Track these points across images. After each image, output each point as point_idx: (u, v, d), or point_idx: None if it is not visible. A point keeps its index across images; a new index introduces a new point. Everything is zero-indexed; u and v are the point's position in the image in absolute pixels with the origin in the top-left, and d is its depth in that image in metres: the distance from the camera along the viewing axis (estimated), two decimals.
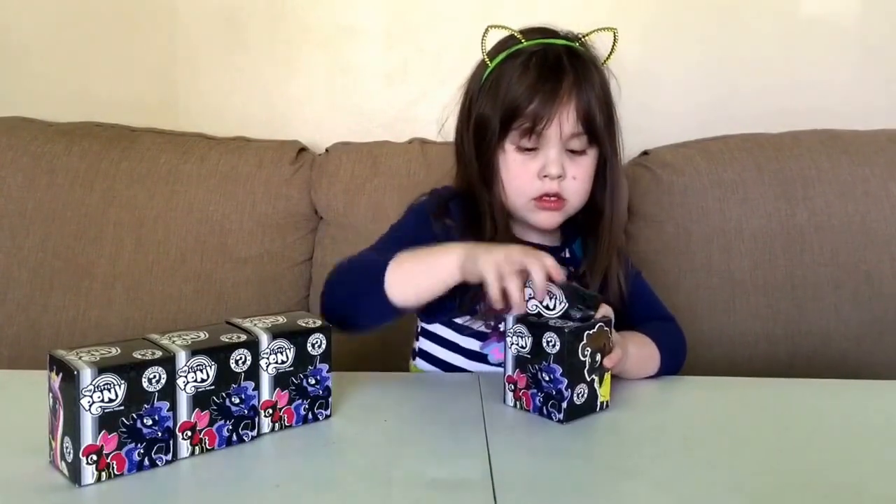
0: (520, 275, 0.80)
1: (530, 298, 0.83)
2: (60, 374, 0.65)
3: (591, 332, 0.81)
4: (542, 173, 0.97)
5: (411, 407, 0.85)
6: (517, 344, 0.84)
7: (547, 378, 0.81)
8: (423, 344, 1.07)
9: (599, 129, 0.97)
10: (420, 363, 1.07)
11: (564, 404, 0.80)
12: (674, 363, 1.00)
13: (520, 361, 0.84)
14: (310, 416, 0.78)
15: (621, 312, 0.95)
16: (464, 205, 1.03)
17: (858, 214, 1.40)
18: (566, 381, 0.79)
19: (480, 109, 1.01)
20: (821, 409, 0.87)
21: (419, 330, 1.08)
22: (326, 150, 1.51)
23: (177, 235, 1.40)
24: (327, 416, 0.80)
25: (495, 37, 1.03)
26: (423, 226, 1.01)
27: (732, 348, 1.38)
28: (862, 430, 0.81)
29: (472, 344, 1.02)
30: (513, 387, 0.85)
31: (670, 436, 0.79)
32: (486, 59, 1.01)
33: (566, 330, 0.79)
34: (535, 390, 0.82)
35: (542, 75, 0.95)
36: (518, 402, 0.84)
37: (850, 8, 1.61)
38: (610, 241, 1.03)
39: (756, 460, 0.73)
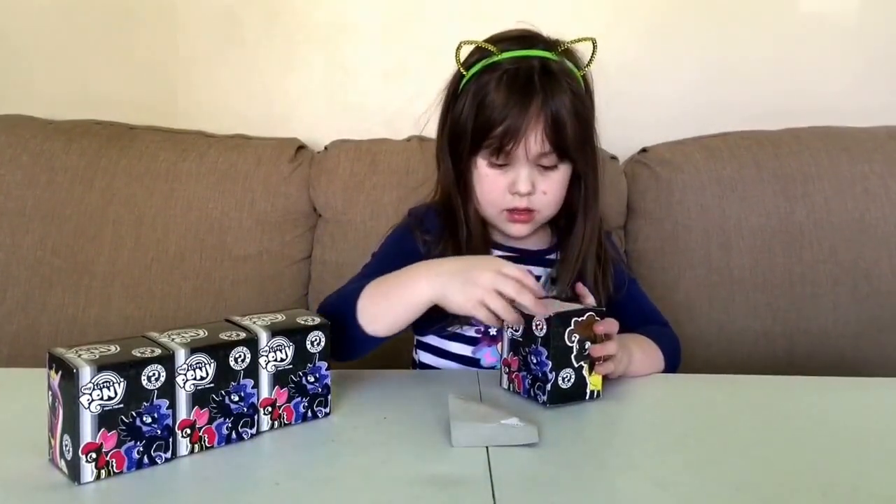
0: (501, 300, 0.83)
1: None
2: (60, 372, 0.65)
3: (579, 319, 0.83)
4: (512, 189, 0.98)
5: (410, 404, 0.85)
6: (512, 328, 0.87)
7: (534, 361, 0.84)
8: (421, 356, 1.09)
9: (570, 146, 0.97)
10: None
11: (548, 387, 0.82)
12: (670, 366, 1.01)
13: (513, 345, 0.87)
14: (309, 413, 0.78)
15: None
16: (440, 215, 1.05)
17: (857, 212, 1.40)
18: (550, 363, 0.82)
19: (455, 122, 1.02)
20: (819, 407, 0.87)
21: (416, 343, 1.10)
22: (325, 148, 1.51)
23: (176, 233, 1.40)
24: (326, 414, 0.80)
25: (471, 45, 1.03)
26: (405, 246, 1.04)
27: (731, 345, 1.38)
28: (860, 427, 0.82)
29: (464, 350, 1.04)
30: (507, 369, 0.89)
31: (668, 433, 0.79)
32: (462, 70, 1.01)
33: (552, 315, 0.82)
34: (524, 373, 0.86)
35: (512, 96, 0.95)
36: (511, 385, 0.88)
37: (849, 5, 1.61)
38: (580, 250, 1.03)
39: (754, 457, 0.73)
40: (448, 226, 1.03)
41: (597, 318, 0.84)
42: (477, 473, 0.68)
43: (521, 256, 1.06)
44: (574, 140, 0.97)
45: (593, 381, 0.85)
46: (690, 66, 1.61)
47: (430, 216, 1.06)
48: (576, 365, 0.83)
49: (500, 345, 0.89)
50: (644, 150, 1.49)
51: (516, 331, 0.86)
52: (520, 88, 0.95)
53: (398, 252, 1.04)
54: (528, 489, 0.66)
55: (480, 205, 1.02)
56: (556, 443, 0.75)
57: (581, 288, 0.95)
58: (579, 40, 1.00)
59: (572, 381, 0.83)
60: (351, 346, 0.89)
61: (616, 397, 0.87)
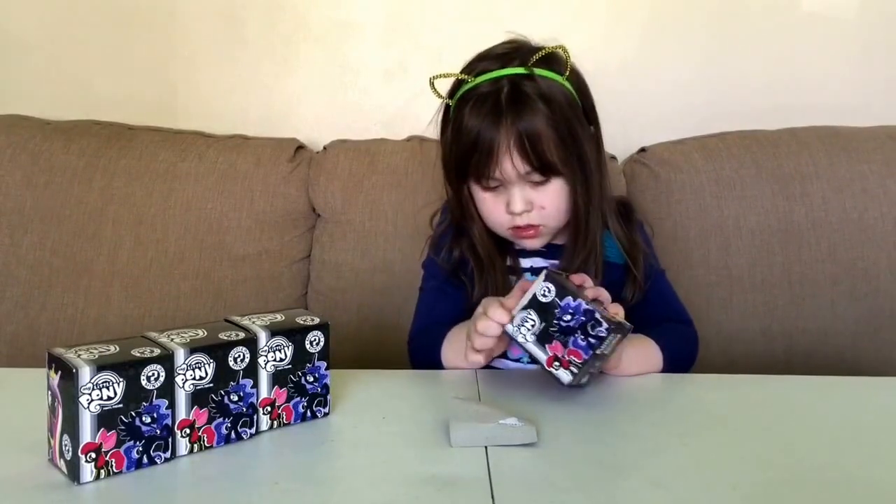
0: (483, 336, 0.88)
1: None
2: (59, 372, 0.65)
3: (562, 276, 0.86)
4: (508, 209, 0.99)
5: (409, 404, 0.85)
6: (529, 331, 0.84)
7: (569, 316, 0.82)
8: None
9: (552, 161, 0.96)
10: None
11: (598, 315, 0.81)
12: (679, 365, 0.99)
13: (541, 337, 0.84)
14: (308, 413, 0.78)
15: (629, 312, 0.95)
16: (460, 227, 1.07)
17: (856, 211, 1.40)
18: (581, 300, 0.82)
19: (445, 151, 1.04)
20: (818, 406, 0.87)
21: None
22: (324, 148, 1.51)
23: (175, 233, 1.40)
24: (326, 414, 0.80)
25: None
26: (437, 266, 1.09)
27: (730, 345, 1.38)
28: (859, 426, 0.82)
29: None
30: (557, 364, 0.83)
31: (668, 433, 0.79)
32: (447, 100, 1.03)
33: (545, 273, 0.85)
34: (572, 338, 0.83)
35: (482, 122, 0.96)
36: (572, 367, 0.83)
37: (848, 4, 1.61)
38: (586, 253, 1.04)
39: (753, 457, 0.73)
40: (463, 242, 1.06)
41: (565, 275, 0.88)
42: (476, 473, 0.68)
43: (547, 250, 1.07)
44: (557, 155, 0.96)
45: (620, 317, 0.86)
46: (689, 66, 1.61)
47: (448, 233, 1.09)
48: (594, 307, 0.83)
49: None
50: (643, 150, 1.49)
51: (533, 325, 0.84)
52: (488, 113, 0.96)
53: (436, 277, 1.10)
54: (526, 489, 0.66)
55: (489, 225, 1.04)
56: (554, 442, 0.75)
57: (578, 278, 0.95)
58: (554, 49, 0.98)
59: (604, 315, 0.83)
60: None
61: (615, 397, 0.88)
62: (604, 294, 0.90)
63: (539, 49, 0.99)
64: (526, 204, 0.98)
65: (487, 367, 0.97)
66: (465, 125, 0.97)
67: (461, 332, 0.96)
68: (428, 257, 1.14)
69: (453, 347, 0.97)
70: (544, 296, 0.84)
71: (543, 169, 0.97)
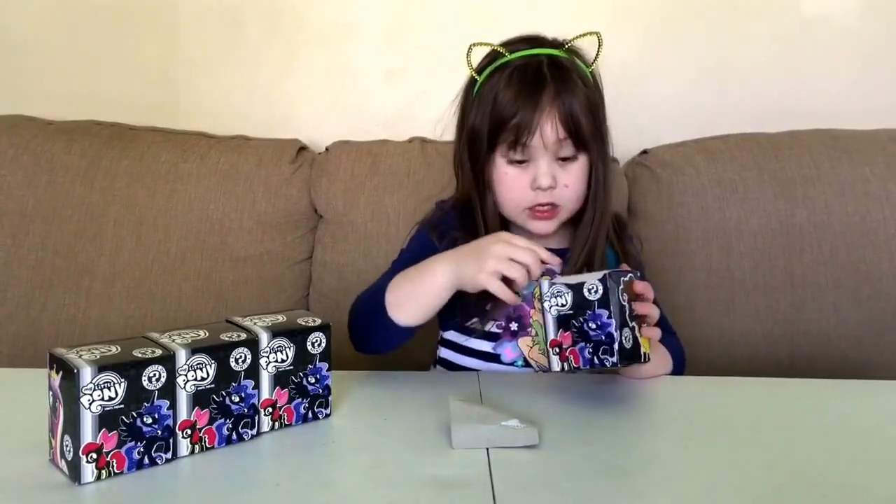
0: (516, 266, 0.85)
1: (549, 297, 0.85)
2: (60, 373, 0.65)
3: (625, 279, 0.83)
4: (534, 185, 0.99)
5: (410, 405, 0.85)
6: (556, 304, 0.84)
7: (594, 326, 0.82)
8: (441, 352, 1.09)
9: (585, 134, 0.98)
10: (439, 370, 1.09)
11: (616, 346, 0.80)
12: (677, 373, 1.01)
13: (562, 320, 0.84)
14: (309, 414, 0.78)
15: None
16: (463, 213, 1.05)
17: (858, 214, 1.40)
18: (614, 322, 0.81)
19: (471, 124, 1.03)
20: (820, 409, 0.87)
21: (439, 339, 1.11)
22: (326, 149, 1.51)
23: (177, 234, 1.40)
24: (327, 415, 0.80)
25: (481, 50, 1.05)
26: (426, 245, 1.05)
27: (732, 348, 1.38)
28: (861, 429, 0.82)
29: (485, 346, 1.03)
30: (557, 349, 0.85)
31: (669, 435, 0.79)
32: (474, 74, 1.04)
33: (606, 275, 0.81)
34: (582, 343, 0.83)
35: (523, 88, 0.97)
36: (566, 363, 0.84)
37: (849, 8, 1.61)
38: (589, 235, 1.03)
39: (755, 460, 0.73)
40: (467, 227, 1.04)
41: (635, 278, 0.86)
42: (477, 475, 0.68)
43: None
44: (589, 129, 0.98)
45: (644, 343, 0.84)
46: (691, 68, 1.61)
47: (449, 219, 1.07)
48: (630, 324, 0.83)
49: (527, 338, 0.87)
50: (645, 152, 1.49)
51: (562, 306, 0.83)
52: (530, 81, 0.98)
53: (421, 251, 1.05)
54: (528, 491, 0.66)
55: (503, 206, 1.03)
56: (556, 444, 0.75)
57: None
58: (584, 35, 1.02)
59: (630, 341, 0.82)
60: (383, 337, 0.92)
61: (617, 399, 0.87)
62: (654, 313, 0.89)
63: (563, 40, 1.03)
64: (552, 179, 0.98)
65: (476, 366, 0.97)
66: (502, 95, 0.98)
67: (412, 271, 0.92)
68: (409, 244, 1.10)
69: (404, 286, 0.91)
70: (590, 291, 0.82)
71: (577, 141, 0.98)
